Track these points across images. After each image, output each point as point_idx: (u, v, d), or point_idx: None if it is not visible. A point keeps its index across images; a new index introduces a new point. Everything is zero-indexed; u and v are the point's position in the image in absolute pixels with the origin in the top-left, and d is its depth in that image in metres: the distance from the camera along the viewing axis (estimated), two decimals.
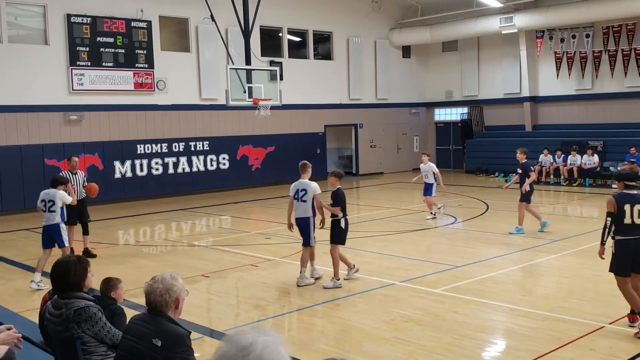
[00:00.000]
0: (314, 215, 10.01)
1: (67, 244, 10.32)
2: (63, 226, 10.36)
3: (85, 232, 12.66)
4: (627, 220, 7.17)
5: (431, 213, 15.87)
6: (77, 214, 12.37)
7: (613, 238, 7.31)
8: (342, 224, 9.68)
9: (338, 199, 9.66)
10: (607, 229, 7.29)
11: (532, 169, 14.04)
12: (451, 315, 8.18)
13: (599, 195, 19.81)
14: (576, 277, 10.08)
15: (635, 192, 7.35)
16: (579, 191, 21.13)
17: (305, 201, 9.92)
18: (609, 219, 7.26)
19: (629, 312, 7.47)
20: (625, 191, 7.41)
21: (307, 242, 9.99)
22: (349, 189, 20.51)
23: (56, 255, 9.32)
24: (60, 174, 12.74)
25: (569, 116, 26.16)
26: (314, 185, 9.94)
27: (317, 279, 10.10)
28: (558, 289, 9.56)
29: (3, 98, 18.43)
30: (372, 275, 10.33)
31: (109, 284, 6.04)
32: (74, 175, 12.52)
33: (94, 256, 12.20)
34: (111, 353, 4.76)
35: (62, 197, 10.26)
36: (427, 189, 15.75)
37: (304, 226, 9.98)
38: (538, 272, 10.72)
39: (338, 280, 9.69)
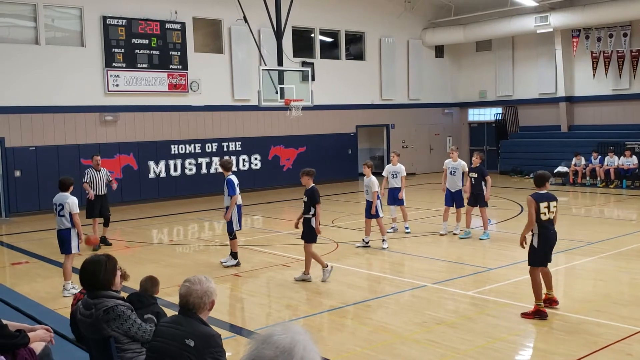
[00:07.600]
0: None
1: (74, 251, 9.71)
2: (74, 233, 9.66)
3: (106, 224, 13.63)
4: None
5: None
6: (99, 208, 13.41)
7: None
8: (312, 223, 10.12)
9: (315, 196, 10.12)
10: None
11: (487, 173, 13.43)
12: (484, 318, 8.09)
13: (637, 197, 19.43)
14: (612, 280, 9.88)
15: None
16: (615, 193, 20.72)
17: (454, 174, 13.63)
18: None
19: None
20: None
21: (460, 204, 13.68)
22: None
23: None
24: (86, 170, 13.71)
25: (606, 116, 25.68)
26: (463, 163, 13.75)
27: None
28: (594, 292, 9.38)
29: (40, 99, 18.80)
30: (404, 277, 10.28)
31: (153, 282, 6.07)
32: (97, 173, 13.55)
33: (110, 244, 13.30)
34: (145, 349, 4.81)
35: (71, 206, 9.60)
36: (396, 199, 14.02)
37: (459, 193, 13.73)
38: (573, 275, 10.54)
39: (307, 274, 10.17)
